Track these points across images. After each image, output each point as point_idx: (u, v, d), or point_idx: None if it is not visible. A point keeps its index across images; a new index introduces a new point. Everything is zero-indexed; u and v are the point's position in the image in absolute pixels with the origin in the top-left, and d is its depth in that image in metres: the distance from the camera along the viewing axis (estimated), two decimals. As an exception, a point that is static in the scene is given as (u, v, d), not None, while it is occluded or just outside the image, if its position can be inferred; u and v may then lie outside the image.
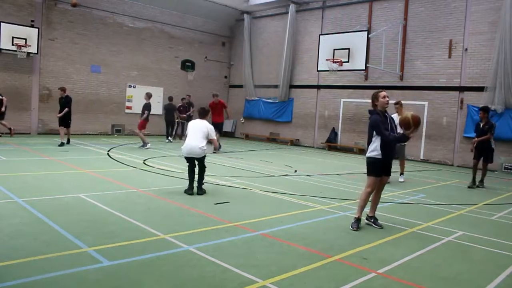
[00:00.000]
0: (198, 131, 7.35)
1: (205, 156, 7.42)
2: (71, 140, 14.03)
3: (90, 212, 5.62)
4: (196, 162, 7.43)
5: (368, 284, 3.71)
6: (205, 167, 7.53)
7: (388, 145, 5.61)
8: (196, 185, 7.39)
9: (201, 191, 7.30)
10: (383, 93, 5.70)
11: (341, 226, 5.67)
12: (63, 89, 13.51)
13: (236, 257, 4.16)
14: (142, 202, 6.38)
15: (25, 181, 7.46)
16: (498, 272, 4.19)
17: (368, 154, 5.70)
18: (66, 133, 13.49)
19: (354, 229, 5.44)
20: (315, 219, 5.92)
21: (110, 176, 8.41)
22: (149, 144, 14.14)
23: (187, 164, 7.49)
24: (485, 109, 9.96)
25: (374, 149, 5.63)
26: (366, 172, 5.73)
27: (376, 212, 5.87)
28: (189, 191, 7.27)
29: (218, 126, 13.91)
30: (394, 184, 9.64)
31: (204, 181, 7.52)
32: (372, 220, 5.78)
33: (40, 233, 4.58)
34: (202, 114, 7.78)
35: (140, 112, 14.51)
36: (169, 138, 17.14)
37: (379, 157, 5.57)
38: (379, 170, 5.62)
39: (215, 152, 13.26)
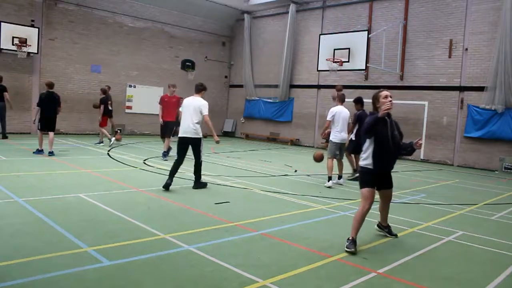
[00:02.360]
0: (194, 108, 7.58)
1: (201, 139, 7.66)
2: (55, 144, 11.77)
3: (90, 212, 5.62)
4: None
5: (368, 284, 3.71)
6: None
7: (383, 153, 4.76)
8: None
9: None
10: (385, 92, 4.78)
11: (341, 226, 5.67)
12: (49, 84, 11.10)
13: (236, 257, 4.16)
14: (142, 202, 6.38)
15: (25, 181, 7.46)
16: (498, 272, 4.18)
17: (360, 163, 4.92)
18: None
19: (351, 250, 4.45)
20: (315, 219, 5.92)
21: (110, 176, 8.41)
22: (113, 139, 13.98)
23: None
24: (356, 101, 10.00)
25: (366, 157, 4.82)
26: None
27: (377, 212, 5.86)
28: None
29: (169, 126, 11.70)
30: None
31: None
32: (386, 231, 5.28)
33: (40, 233, 4.58)
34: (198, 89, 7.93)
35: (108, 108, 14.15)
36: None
37: (371, 167, 4.77)
38: (372, 181, 4.78)
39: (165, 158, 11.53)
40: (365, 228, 5.60)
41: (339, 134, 8.90)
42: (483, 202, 8.03)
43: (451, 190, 9.43)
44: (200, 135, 7.59)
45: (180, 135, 7.57)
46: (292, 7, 19.49)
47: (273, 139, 20.87)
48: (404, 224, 5.91)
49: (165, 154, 11.69)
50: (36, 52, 16.03)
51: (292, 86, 20.12)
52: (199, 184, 7.71)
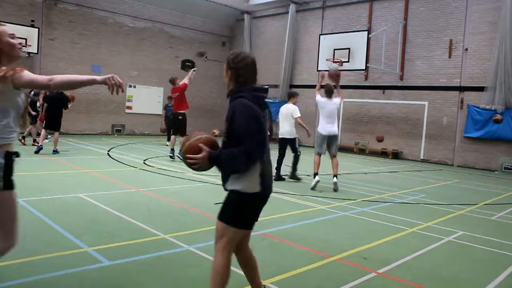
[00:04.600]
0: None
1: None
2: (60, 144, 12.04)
3: (90, 212, 5.62)
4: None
5: (368, 284, 3.71)
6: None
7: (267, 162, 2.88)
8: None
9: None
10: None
11: (341, 226, 5.67)
12: None
13: (236, 257, 4.15)
14: (142, 202, 6.38)
15: (25, 181, 7.44)
16: (498, 272, 4.18)
17: (233, 186, 2.83)
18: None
19: None
20: (315, 219, 5.92)
21: (110, 176, 8.41)
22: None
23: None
24: None
25: (251, 173, 2.79)
26: (221, 216, 2.89)
27: (377, 212, 5.86)
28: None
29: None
30: (393, 185, 9.64)
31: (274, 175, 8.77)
32: None
33: (40, 233, 4.58)
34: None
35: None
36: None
37: (258, 191, 2.86)
38: (252, 216, 2.95)
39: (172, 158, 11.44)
40: (365, 227, 5.61)
41: (326, 125, 8.37)
42: (483, 202, 8.03)
43: (451, 190, 9.43)
44: (293, 136, 9.12)
45: (279, 136, 9.21)
46: (292, 7, 19.49)
47: (273, 139, 20.83)
48: (404, 224, 5.91)
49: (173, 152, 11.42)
50: (36, 52, 16.02)
51: (292, 86, 20.10)
52: (293, 176, 9.23)
